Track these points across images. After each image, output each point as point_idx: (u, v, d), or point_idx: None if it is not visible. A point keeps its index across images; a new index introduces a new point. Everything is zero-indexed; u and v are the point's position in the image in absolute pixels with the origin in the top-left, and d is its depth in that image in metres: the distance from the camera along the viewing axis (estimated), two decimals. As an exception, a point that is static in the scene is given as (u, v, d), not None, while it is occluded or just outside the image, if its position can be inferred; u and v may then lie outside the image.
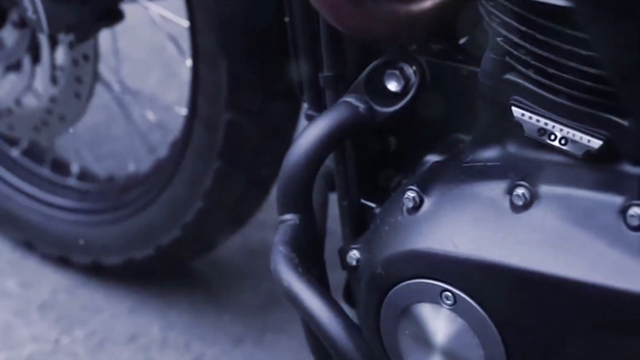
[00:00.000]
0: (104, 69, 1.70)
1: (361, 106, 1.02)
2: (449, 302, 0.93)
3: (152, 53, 2.16)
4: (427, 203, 0.95)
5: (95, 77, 1.48)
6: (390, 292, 0.96)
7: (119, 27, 1.87)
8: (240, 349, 1.57)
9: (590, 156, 0.90)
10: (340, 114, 1.02)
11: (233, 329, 1.60)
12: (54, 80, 1.49)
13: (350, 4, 0.96)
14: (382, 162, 1.11)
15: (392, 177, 1.11)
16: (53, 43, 1.47)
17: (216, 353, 1.57)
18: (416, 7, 0.99)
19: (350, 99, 1.03)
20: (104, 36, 1.69)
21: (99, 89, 1.69)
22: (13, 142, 1.74)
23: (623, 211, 0.85)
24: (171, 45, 1.68)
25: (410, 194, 0.95)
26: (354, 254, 1.03)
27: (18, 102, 1.57)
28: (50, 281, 1.70)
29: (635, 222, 0.84)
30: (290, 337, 1.57)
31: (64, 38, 1.43)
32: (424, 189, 0.95)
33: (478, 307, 0.91)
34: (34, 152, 1.74)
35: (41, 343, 1.60)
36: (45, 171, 1.72)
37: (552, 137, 0.91)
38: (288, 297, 0.98)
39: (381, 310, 0.98)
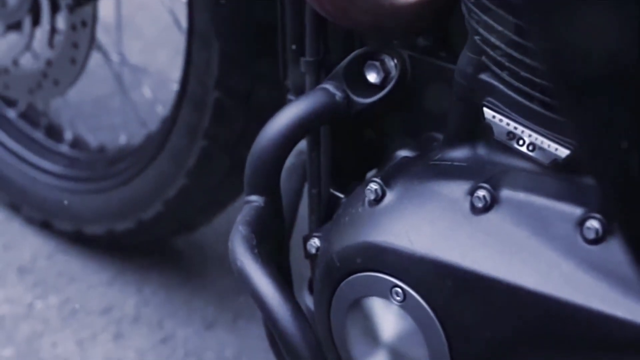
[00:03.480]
0: (109, 40, 1.71)
1: (338, 94, 1.01)
2: (398, 298, 0.91)
3: (164, 31, 2.16)
4: (389, 197, 0.93)
5: (92, 43, 1.47)
6: (343, 283, 0.95)
7: (135, 3, 1.87)
8: (211, 332, 1.56)
9: (556, 165, 0.88)
10: (315, 100, 1.01)
11: (206, 312, 1.59)
12: (51, 43, 1.49)
13: (334, -9, 0.95)
14: (357, 154, 1.10)
15: (366, 170, 1.10)
16: (54, 6, 1.47)
17: (187, 334, 1.56)
18: (401, 0, 0.97)
19: (328, 85, 1.02)
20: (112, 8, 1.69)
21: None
22: (11, 103, 1.74)
23: (580, 223, 0.84)
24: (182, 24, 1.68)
25: (373, 186, 0.94)
26: (314, 242, 1.02)
27: (15, 62, 1.56)
28: (32, 245, 1.70)
29: (591, 235, 0.83)
30: (262, 325, 1.55)
31: (64, 2, 1.42)
32: (387, 182, 0.94)
33: (426, 305, 0.90)
34: (30, 116, 1.75)
35: (15, 305, 1.60)
36: (39, 135, 1.72)
37: (521, 142, 0.90)
38: (240, 277, 0.97)
39: (333, 301, 0.97)
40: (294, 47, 1.09)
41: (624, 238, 0.81)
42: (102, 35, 1.67)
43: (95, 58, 1.69)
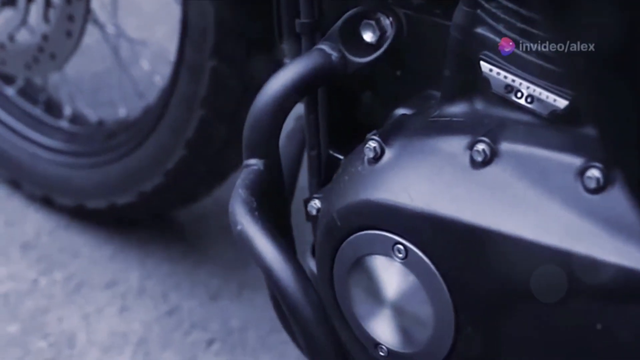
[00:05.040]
0: (106, 17, 1.70)
1: (334, 54, 1.00)
2: (400, 255, 0.91)
3: (162, 7, 2.15)
4: (388, 154, 0.93)
5: (87, 15, 1.46)
6: (344, 243, 0.95)
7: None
8: (216, 303, 1.56)
9: (555, 116, 0.88)
10: (311, 61, 1.00)
11: (211, 283, 1.59)
12: (46, 17, 1.48)
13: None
14: (355, 115, 1.09)
15: (364, 130, 1.09)
16: (48, -21, 1.46)
17: (192, 306, 1.56)
18: (394, -43, 0.97)
19: (323, 46, 1.01)
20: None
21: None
22: (9, 81, 1.73)
23: (581, 173, 0.83)
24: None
25: (372, 144, 0.93)
26: (314, 204, 1.02)
27: (11, 37, 1.56)
28: (34, 221, 1.69)
29: (592, 184, 0.82)
30: (267, 295, 1.55)
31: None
32: (386, 139, 0.93)
33: (429, 262, 0.89)
34: (29, 92, 1.74)
35: (19, 282, 1.60)
36: (38, 111, 1.72)
37: (519, 94, 0.89)
38: (241, 240, 0.96)
39: (335, 261, 0.96)
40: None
41: (625, 186, 0.80)
42: (99, 12, 1.66)
43: (93, 35, 1.68)
